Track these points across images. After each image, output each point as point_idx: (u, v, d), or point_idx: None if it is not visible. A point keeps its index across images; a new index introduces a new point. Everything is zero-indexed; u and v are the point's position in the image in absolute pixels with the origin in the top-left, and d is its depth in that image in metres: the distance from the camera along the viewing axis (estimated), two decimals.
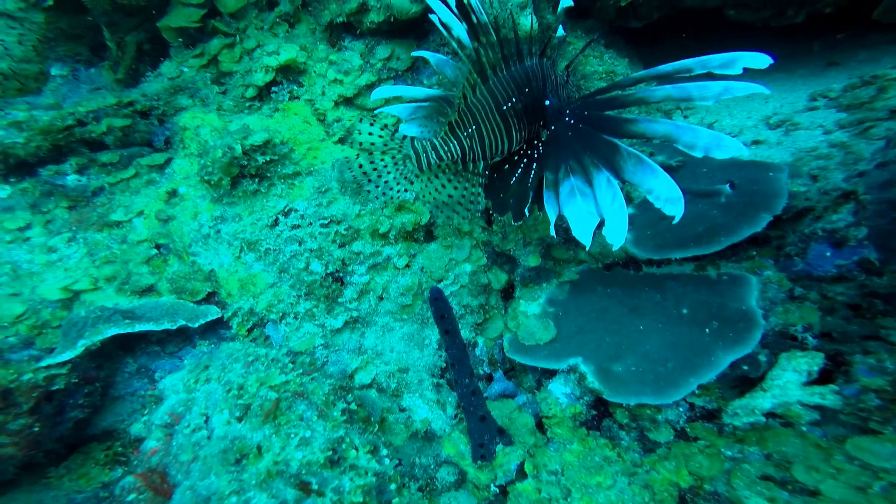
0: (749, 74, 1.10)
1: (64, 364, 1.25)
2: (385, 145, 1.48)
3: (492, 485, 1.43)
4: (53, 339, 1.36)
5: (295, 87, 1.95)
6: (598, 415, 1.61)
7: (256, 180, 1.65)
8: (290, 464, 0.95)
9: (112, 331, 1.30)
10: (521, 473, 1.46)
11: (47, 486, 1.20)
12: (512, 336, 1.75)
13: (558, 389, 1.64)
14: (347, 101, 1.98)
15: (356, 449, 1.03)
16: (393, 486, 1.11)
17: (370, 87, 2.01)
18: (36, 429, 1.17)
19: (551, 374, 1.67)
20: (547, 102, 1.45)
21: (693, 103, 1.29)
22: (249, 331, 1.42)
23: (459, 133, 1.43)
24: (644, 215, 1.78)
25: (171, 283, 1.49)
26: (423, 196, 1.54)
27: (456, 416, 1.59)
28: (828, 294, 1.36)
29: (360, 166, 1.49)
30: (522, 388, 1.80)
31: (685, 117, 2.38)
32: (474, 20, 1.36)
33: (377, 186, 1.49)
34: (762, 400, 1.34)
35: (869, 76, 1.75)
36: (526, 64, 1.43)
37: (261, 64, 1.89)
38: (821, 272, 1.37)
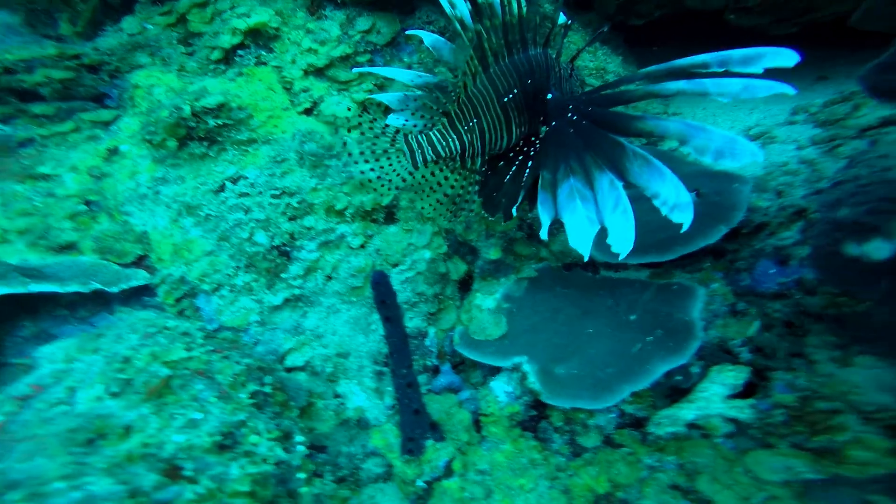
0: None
1: None
2: (376, 137, 1.34)
3: (418, 480, 1.41)
4: None
5: (263, 53, 1.86)
6: (536, 416, 1.59)
7: (206, 143, 1.56)
8: (163, 447, 0.88)
9: (1, 290, 1.18)
10: (448, 470, 1.43)
11: None
12: (463, 329, 1.71)
13: (500, 388, 1.61)
14: (318, 72, 1.89)
15: (258, 434, 0.97)
16: (301, 476, 1.06)
17: (344, 59, 1.92)
18: None
19: (497, 371, 1.64)
20: (549, 96, 1.35)
21: (709, 99, 1.17)
22: (178, 300, 1.35)
23: (459, 127, 1.31)
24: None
25: (97, 241, 1.39)
26: (417, 193, 1.44)
27: (394, 406, 1.55)
28: (767, 311, 1.35)
29: (357, 153, 1.35)
30: (469, 384, 1.77)
31: None
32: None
33: (373, 177, 1.34)
34: (686, 411, 1.34)
35: (848, 92, 1.71)
36: (529, 53, 1.32)
37: (229, 26, 1.80)
38: (763, 288, 1.35)
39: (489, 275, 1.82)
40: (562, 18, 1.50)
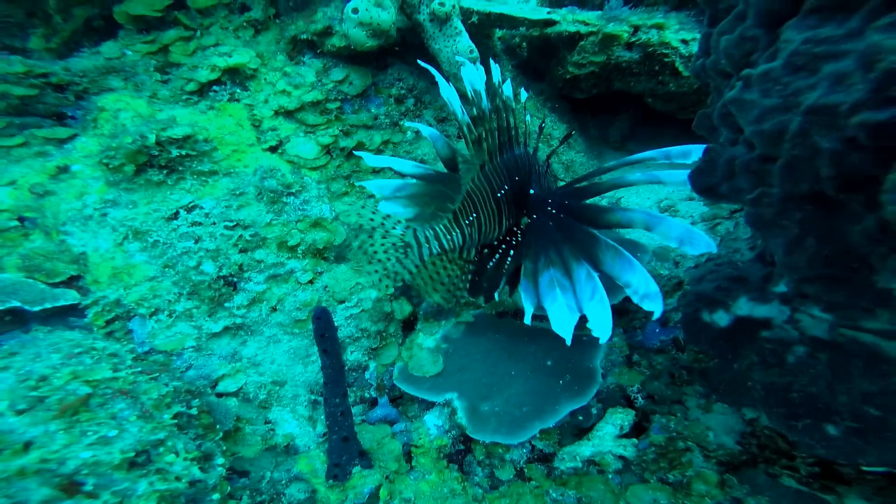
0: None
1: None
2: (387, 232, 1.38)
3: None
4: None
5: (238, 90, 1.99)
6: (464, 450, 1.70)
7: (165, 171, 1.62)
8: (65, 462, 0.88)
9: None
10: (374, 497, 1.49)
11: None
12: (403, 365, 1.82)
13: (431, 421, 1.72)
14: (288, 114, 2.04)
15: (176, 454, 1.01)
16: (216, 496, 1.09)
17: (315, 104, 2.09)
18: None
19: (431, 405, 1.75)
20: (531, 192, 1.48)
21: (662, 184, 1.33)
22: (109, 322, 1.36)
23: (462, 221, 1.38)
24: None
25: (25, 259, 1.36)
26: (418, 281, 1.49)
27: (325, 434, 1.60)
28: (653, 363, 1.60)
29: (370, 247, 1.38)
30: (406, 417, 1.86)
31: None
32: (485, 105, 1.35)
33: (381, 269, 1.37)
34: (584, 448, 1.52)
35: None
36: (515, 152, 1.46)
37: (209, 62, 1.92)
38: (650, 344, 1.60)
39: (431, 317, 1.96)
40: (523, 94, 1.66)
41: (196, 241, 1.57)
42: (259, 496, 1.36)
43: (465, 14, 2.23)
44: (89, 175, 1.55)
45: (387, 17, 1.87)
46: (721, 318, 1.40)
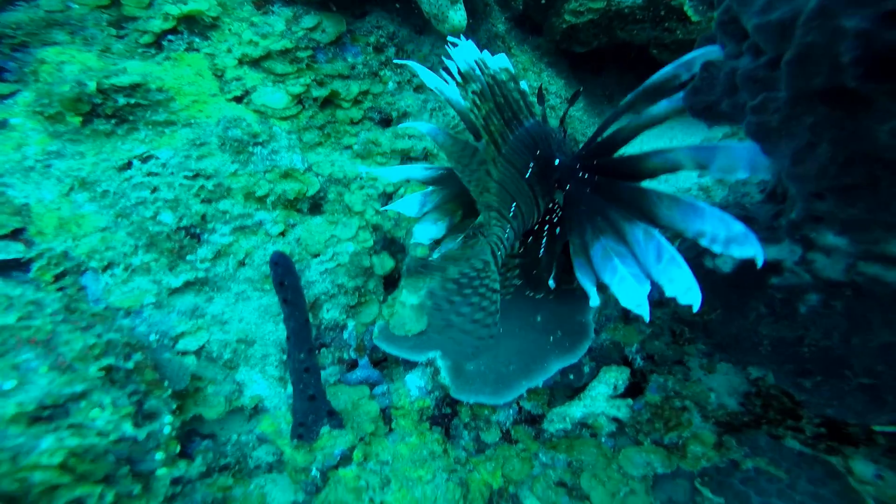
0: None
1: None
2: (477, 277, 1.17)
3: (312, 468, 1.37)
4: None
5: (197, 40, 1.85)
6: (450, 413, 1.60)
7: (113, 122, 1.50)
8: None
9: None
10: (346, 459, 1.40)
11: None
12: (384, 323, 1.71)
13: (413, 382, 1.61)
14: (254, 62, 1.90)
15: (101, 408, 0.92)
16: (159, 456, 1.00)
17: (283, 53, 1.94)
18: None
19: (413, 366, 1.64)
20: (556, 161, 1.32)
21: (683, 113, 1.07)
22: (57, 277, 1.25)
23: (505, 215, 1.23)
24: None
25: None
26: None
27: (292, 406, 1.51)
28: (653, 318, 1.45)
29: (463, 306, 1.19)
30: (389, 379, 1.76)
31: None
32: (476, 88, 1.17)
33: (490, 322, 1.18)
34: (576, 409, 1.40)
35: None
36: (525, 125, 1.29)
37: (161, 11, 1.78)
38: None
39: (416, 272, 1.83)
40: (505, 61, 1.43)
41: (152, 192, 1.45)
42: (223, 458, 1.27)
43: None
44: (29, 127, 1.44)
45: None
46: (725, 263, 1.24)
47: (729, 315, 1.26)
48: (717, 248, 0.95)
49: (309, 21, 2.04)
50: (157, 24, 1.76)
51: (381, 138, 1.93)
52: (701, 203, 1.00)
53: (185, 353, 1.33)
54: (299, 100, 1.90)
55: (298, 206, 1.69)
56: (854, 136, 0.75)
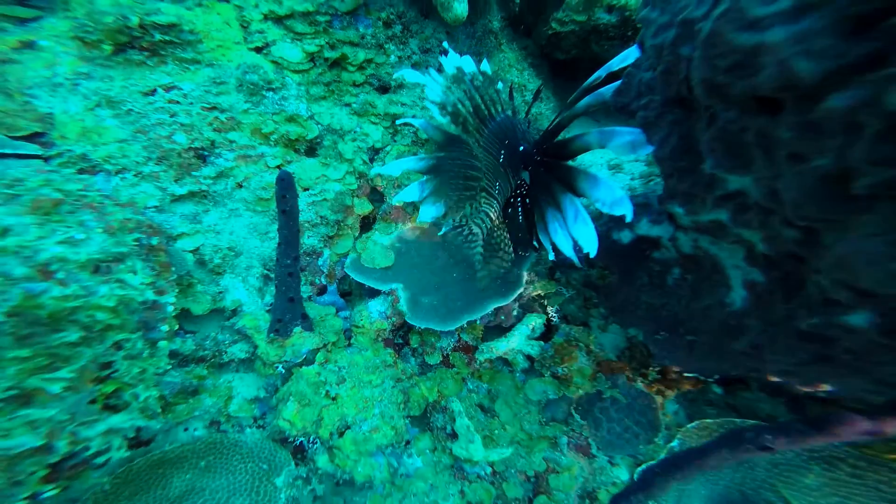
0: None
1: None
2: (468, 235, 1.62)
3: (279, 365, 1.61)
4: None
5: None
6: (402, 337, 1.87)
7: (146, 54, 1.68)
8: (39, 252, 0.95)
9: None
10: (309, 362, 1.63)
11: None
12: (356, 256, 1.97)
13: (375, 307, 1.87)
14: (278, 19, 2.12)
15: (134, 273, 1.10)
16: (164, 328, 1.18)
17: (304, 14, 2.17)
18: None
19: (377, 294, 1.91)
20: (521, 148, 1.68)
21: (605, 98, 1.37)
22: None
23: (492, 192, 1.62)
24: None
25: None
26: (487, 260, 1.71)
27: (272, 304, 1.73)
28: (570, 279, 1.80)
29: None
30: (351, 308, 2.00)
31: None
32: (455, 98, 1.59)
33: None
34: (500, 344, 1.72)
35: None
36: (497, 120, 1.69)
37: None
38: (567, 261, 1.78)
39: (389, 217, 2.10)
40: (486, 66, 1.86)
41: (171, 116, 1.68)
42: (201, 351, 1.49)
43: None
44: (60, 50, 1.55)
45: None
46: (625, 236, 1.57)
47: (621, 281, 1.58)
48: (605, 210, 1.21)
49: None
50: None
51: (377, 102, 2.19)
52: (601, 175, 1.28)
53: (183, 252, 1.55)
54: (312, 58, 2.14)
55: (297, 146, 1.93)
56: (689, 132, 1.04)
